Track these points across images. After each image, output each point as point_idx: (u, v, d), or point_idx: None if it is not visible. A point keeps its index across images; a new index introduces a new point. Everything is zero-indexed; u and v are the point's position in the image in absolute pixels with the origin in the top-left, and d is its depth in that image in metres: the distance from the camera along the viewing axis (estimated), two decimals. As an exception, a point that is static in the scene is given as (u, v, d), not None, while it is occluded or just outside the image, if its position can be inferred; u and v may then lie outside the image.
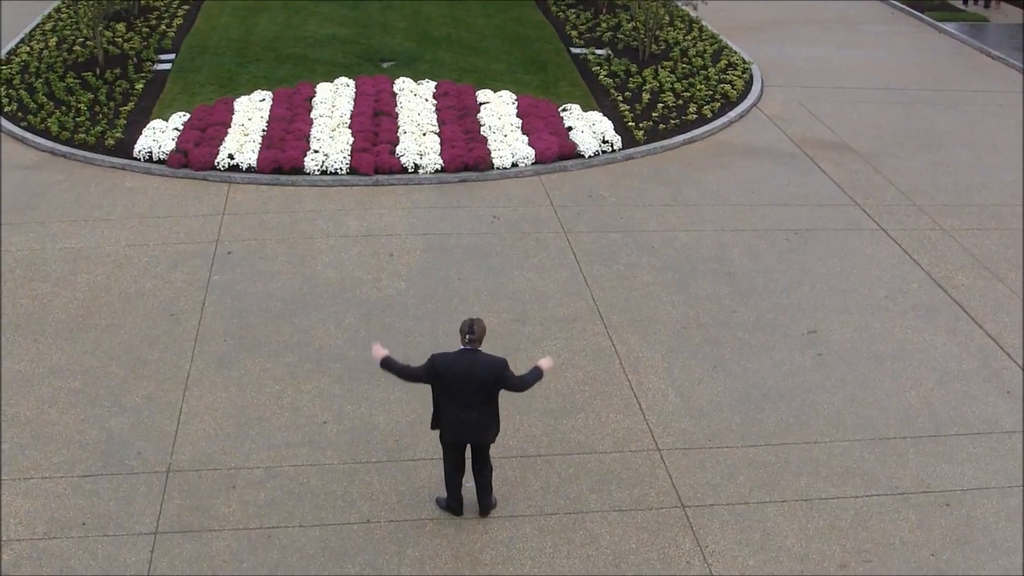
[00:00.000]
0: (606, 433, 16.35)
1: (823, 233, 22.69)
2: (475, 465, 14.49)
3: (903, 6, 42.51)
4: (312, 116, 27.15)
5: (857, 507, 15.06)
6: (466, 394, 13.88)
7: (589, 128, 26.82)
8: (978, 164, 26.76)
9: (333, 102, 27.90)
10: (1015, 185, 25.52)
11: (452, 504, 14.66)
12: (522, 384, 13.98)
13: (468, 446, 14.35)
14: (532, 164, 25.37)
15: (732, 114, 29.25)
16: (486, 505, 14.63)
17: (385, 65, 31.51)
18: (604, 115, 27.95)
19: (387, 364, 14.00)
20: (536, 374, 13.98)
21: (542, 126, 26.81)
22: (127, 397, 16.96)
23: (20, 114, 27.54)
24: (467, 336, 13.82)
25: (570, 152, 25.91)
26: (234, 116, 26.97)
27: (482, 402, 13.97)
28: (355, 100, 28.16)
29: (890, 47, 37.18)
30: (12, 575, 13.63)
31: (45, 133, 26.52)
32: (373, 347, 14.17)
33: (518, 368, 16.37)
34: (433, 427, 14.29)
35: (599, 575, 13.59)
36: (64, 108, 27.78)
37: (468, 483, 14.62)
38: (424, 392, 15.04)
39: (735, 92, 30.48)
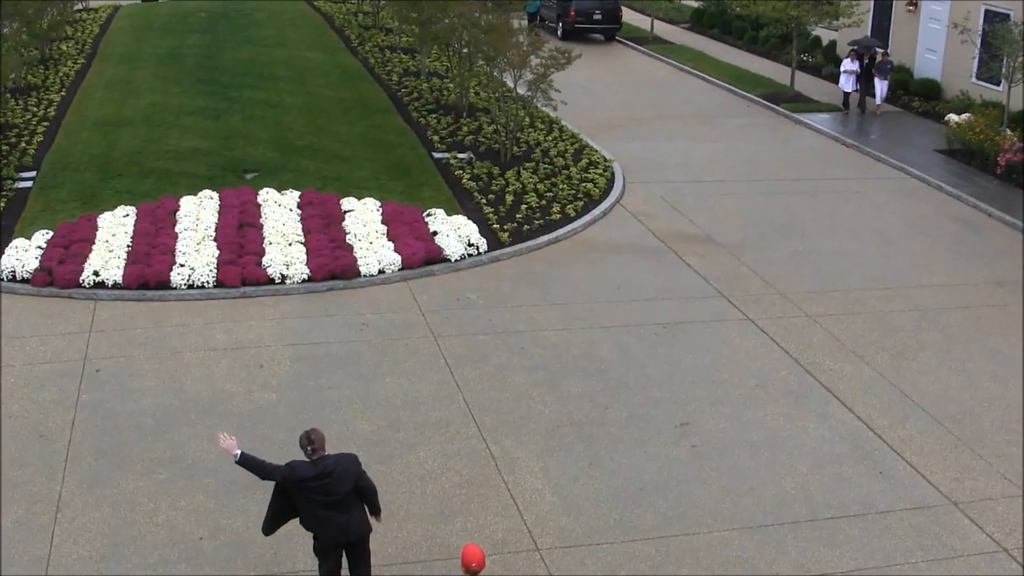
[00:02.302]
0: (485, 536, 16.34)
1: (691, 325, 22.99)
2: (353, 564, 14.40)
3: (758, 99, 43.45)
4: (177, 230, 26.99)
5: (738, 596, 15.18)
6: (341, 495, 13.89)
7: (454, 232, 26.98)
8: (839, 250, 27.35)
9: (198, 215, 27.79)
10: (876, 269, 26.09)
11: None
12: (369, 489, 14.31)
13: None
14: (399, 270, 25.44)
15: (595, 212, 29.62)
16: None
17: (248, 176, 31.48)
18: (469, 218, 28.13)
19: (245, 461, 13.97)
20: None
21: (407, 232, 26.93)
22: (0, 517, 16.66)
23: None
24: (308, 448, 13.98)
25: (436, 256, 26.04)
26: (98, 232, 26.72)
27: (353, 501, 14.09)
28: (220, 212, 28.07)
29: (748, 139, 37.98)
30: None
31: (-97, 256, 26.08)
32: (220, 437, 14.07)
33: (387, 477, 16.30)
34: (267, 532, 14.39)
35: None
36: (-78, 231, 27.35)
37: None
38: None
39: (597, 190, 30.88)
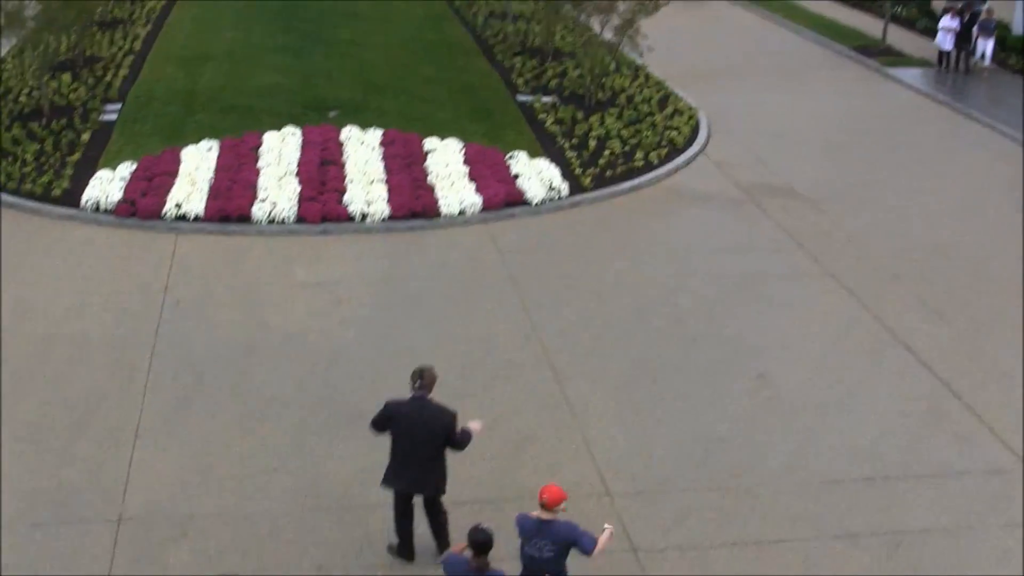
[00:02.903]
0: (556, 478, 16.31)
1: (771, 278, 22.84)
2: (427, 512, 14.48)
3: (849, 51, 42.79)
4: (259, 165, 27.14)
5: (807, 550, 15.11)
6: (413, 443, 13.91)
7: (536, 175, 26.93)
8: (924, 209, 26.98)
9: (280, 151, 27.90)
10: (961, 230, 25.74)
11: (403, 551, 14.63)
12: (462, 444, 14.06)
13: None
14: (480, 211, 25.45)
15: (679, 160, 29.43)
16: (444, 543, 14.57)
17: (331, 114, 31.52)
18: (551, 162, 28.07)
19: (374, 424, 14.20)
20: (469, 436, 14.05)
21: (489, 173, 26.91)
22: (77, 447, 16.85)
23: (-35, 165, 27.41)
24: (416, 383, 13.88)
25: (517, 199, 26.02)
26: (181, 166, 26.92)
27: (428, 454, 14.00)
28: (302, 149, 28.17)
29: (836, 92, 37.51)
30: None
31: (-9, 183, 26.42)
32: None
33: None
34: (383, 482, 14.34)
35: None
36: (10, 159, 27.64)
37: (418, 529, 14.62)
38: (374, 439, 15.01)
39: (681, 138, 30.70)
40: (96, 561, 14.56)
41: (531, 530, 12.28)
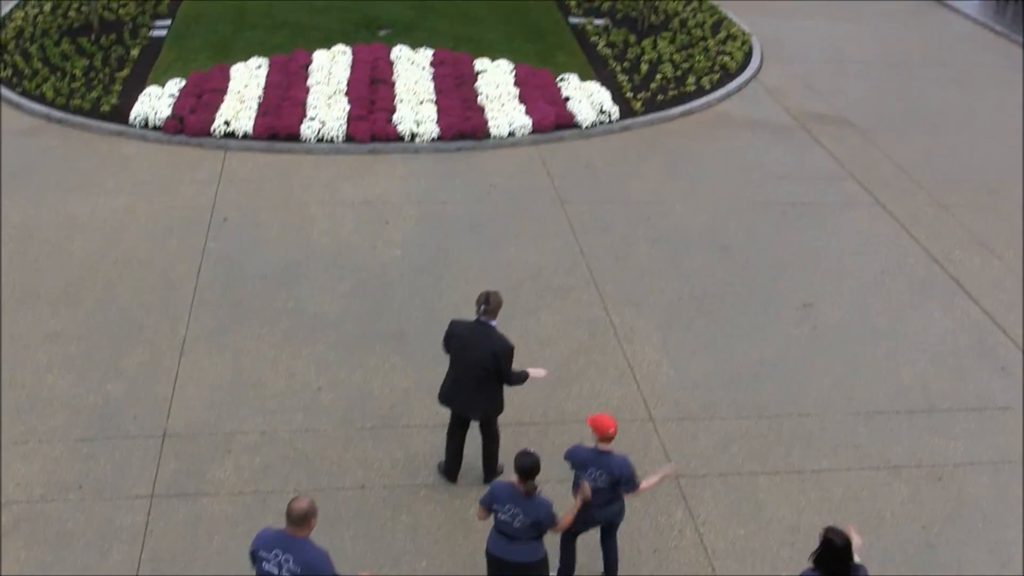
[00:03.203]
0: (600, 403, 16.38)
1: (820, 207, 22.69)
2: (482, 433, 14.51)
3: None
4: (308, 83, 27.09)
5: (849, 480, 15.11)
6: (466, 366, 13.92)
7: (587, 98, 26.78)
8: (978, 141, 26.70)
9: (329, 69, 27.83)
10: (1015, 163, 25.48)
11: (446, 470, 14.70)
12: (511, 380, 14.04)
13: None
14: (529, 133, 25.35)
15: (731, 86, 29.18)
16: (490, 471, 14.64)
17: (381, 33, 31.40)
18: (602, 85, 27.88)
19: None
20: (524, 377, 14.02)
21: (539, 96, 26.78)
22: (123, 362, 16.97)
23: (15, 80, 27.42)
24: (482, 307, 13.80)
25: (567, 122, 25.89)
26: (230, 83, 26.89)
27: (479, 378, 13.97)
28: (352, 68, 28.08)
29: (891, 21, 37.03)
30: (11, 536, 13.67)
31: (40, 99, 26.43)
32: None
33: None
34: (439, 397, 14.38)
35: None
36: (59, 74, 27.69)
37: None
38: (418, 359, 15.05)
39: (734, 64, 30.43)
40: (140, 476, 14.69)
41: (588, 460, 12.28)
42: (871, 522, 14.34)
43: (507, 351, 13.83)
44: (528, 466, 11.57)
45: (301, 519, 10.45)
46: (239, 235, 20.61)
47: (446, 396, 14.26)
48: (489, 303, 13.81)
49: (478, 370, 13.90)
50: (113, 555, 13.40)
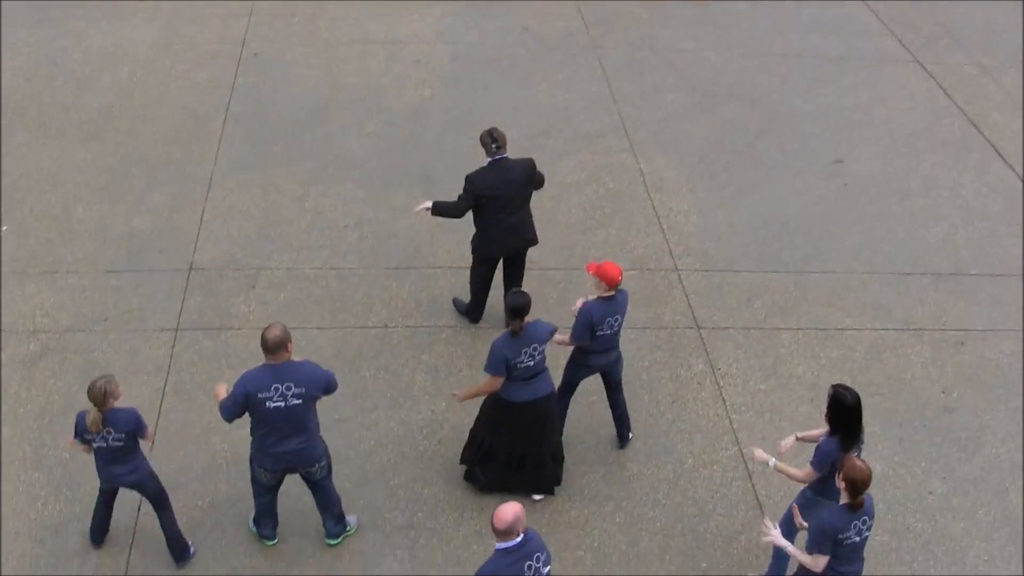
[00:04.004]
0: (626, 251, 16.37)
1: (856, 63, 22.41)
2: (515, 266, 14.54)
3: None
4: (344, -82, 26.69)
5: (872, 339, 15.12)
6: (512, 203, 13.84)
7: (624, -57, 26.35)
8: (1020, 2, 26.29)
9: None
10: (1054, 24, 25.12)
11: (471, 309, 14.73)
12: (542, 181, 14.16)
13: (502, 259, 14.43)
14: (565, -23, 25.02)
15: (771, -65, 28.65)
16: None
17: None
18: (640, -69, 27.42)
19: (436, 209, 13.88)
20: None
21: (577, -61, 26.38)
22: (151, 196, 16.99)
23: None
24: (492, 146, 13.65)
25: (604, -33, 25.53)
26: (265, -86, 26.51)
27: (524, 206, 14.02)
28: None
29: None
30: (38, 365, 13.82)
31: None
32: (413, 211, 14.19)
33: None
34: (483, 251, 14.27)
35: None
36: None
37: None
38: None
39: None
40: (166, 309, 14.79)
41: (605, 312, 12.23)
42: (891, 383, 14.38)
43: (534, 162, 14.02)
44: (520, 305, 11.56)
45: (278, 345, 10.63)
46: (268, 71, 20.49)
47: (504, 241, 14.13)
48: (496, 140, 13.64)
49: (523, 199, 13.96)
50: (137, 385, 13.53)
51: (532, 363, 11.69)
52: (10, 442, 12.81)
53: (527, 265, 14.68)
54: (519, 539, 9.13)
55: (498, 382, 11.74)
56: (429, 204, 13.86)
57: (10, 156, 17.75)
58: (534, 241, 14.29)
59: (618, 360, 12.68)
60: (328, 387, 10.87)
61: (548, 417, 12.05)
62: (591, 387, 13.23)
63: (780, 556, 11.38)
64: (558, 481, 12.49)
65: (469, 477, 12.57)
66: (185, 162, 17.81)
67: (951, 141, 19.88)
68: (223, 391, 10.98)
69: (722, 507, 12.64)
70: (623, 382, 12.94)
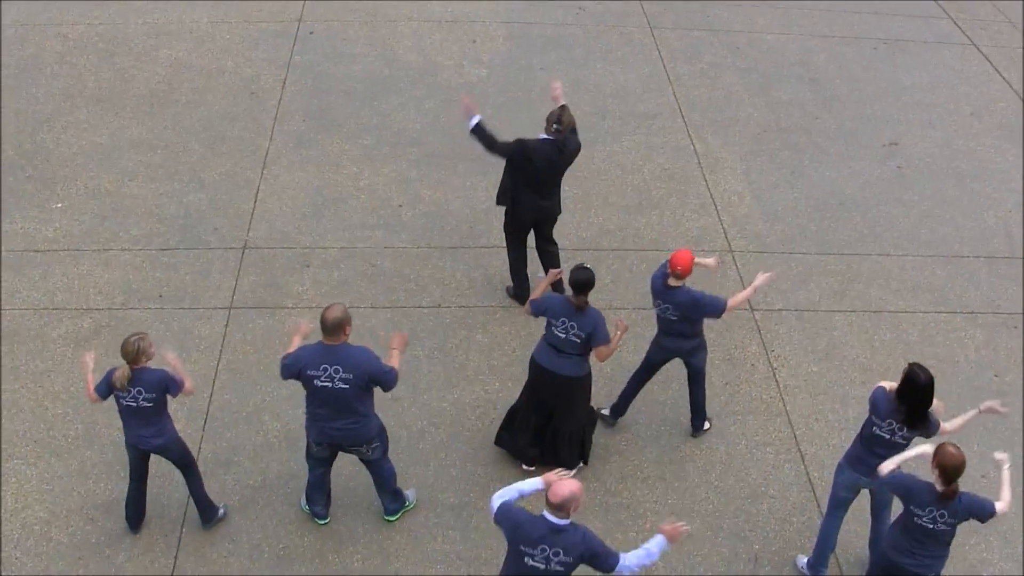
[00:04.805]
0: (680, 232, 16.36)
1: (912, 44, 22.27)
2: (542, 244, 14.56)
3: None
4: None
5: (925, 322, 15.07)
6: (550, 180, 13.91)
7: (681, -78, 26.24)
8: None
9: None
10: (1114, 4, 24.87)
11: (518, 292, 14.77)
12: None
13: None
14: (620, -44, 24.94)
15: (828, -85, 28.47)
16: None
17: None
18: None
19: (478, 129, 13.77)
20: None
21: (633, -82, 26.29)
22: (206, 173, 17.10)
23: None
24: (554, 126, 13.66)
25: (660, -54, 25.43)
26: None
27: (559, 187, 14.11)
28: None
29: None
30: (91, 342, 13.95)
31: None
32: (464, 101, 14.05)
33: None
34: (500, 202, 14.29)
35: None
36: None
37: (540, 275, 14.73)
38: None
39: None
40: (220, 287, 14.90)
41: (658, 291, 12.26)
42: (944, 366, 14.32)
43: (579, 147, 14.13)
44: (584, 280, 11.61)
45: (336, 327, 10.64)
46: (325, 48, 20.55)
47: (529, 213, 14.18)
48: (562, 121, 13.66)
49: (555, 184, 14.07)
50: (190, 364, 13.64)
51: (563, 336, 11.75)
52: (63, 420, 12.95)
53: (582, 244, 14.67)
54: (566, 522, 9.07)
55: (529, 310, 12.13)
56: (478, 117, 13.86)
57: (67, 131, 17.90)
58: (558, 210, 14.37)
59: (693, 351, 12.64)
60: (378, 381, 10.77)
61: (562, 396, 12.09)
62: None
63: (825, 539, 11.38)
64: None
65: (498, 441, 12.68)
66: (240, 140, 17.91)
67: (1006, 124, 19.74)
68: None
69: (774, 489, 12.66)
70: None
